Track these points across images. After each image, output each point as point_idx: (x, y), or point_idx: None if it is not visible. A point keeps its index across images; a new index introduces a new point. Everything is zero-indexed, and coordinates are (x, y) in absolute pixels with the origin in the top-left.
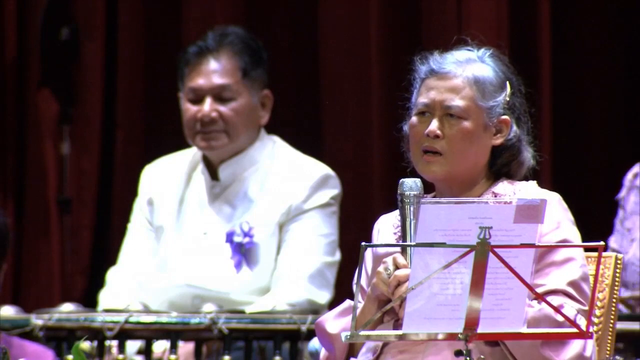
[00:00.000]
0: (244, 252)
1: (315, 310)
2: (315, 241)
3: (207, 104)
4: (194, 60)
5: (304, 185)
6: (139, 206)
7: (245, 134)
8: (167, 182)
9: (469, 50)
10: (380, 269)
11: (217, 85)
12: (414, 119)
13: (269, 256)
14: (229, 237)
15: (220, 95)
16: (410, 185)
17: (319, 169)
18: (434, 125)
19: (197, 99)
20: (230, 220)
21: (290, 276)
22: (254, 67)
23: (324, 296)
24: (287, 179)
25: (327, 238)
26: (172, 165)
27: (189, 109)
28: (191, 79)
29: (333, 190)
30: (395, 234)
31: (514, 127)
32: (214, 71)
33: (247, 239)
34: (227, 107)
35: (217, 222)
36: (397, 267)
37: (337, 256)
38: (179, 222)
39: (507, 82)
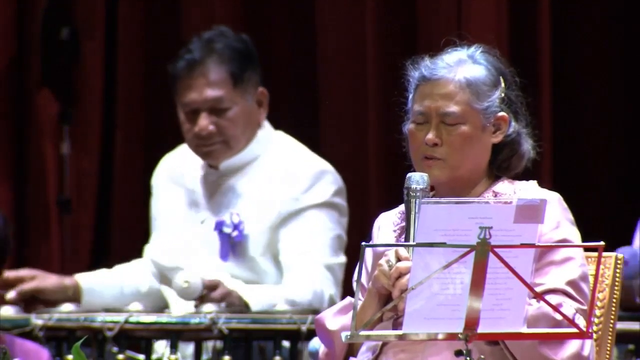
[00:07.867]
0: (232, 244)
1: (316, 310)
2: (317, 239)
3: (203, 119)
4: (183, 74)
5: (299, 184)
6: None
7: (244, 138)
8: (182, 168)
9: (459, 50)
10: (382, 261)
11: (210, 98)
12: (411, 126)
13: (256, 251)
14: (218, 226)
15: (215, 107)
16: (417, 179)
17: (315, 165)
18: (431, 134)
19: (193, 114)
20: (221, 210)
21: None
22: (245, 70)
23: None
24: (282, 176)
25: (332, 232)
26: (186, 153)
27: (186, 124)
28: (184, 95)
29: (331, 186)
30: (395, 231)
31: (513, 123)
32: (205, 84)
33: (235, 232)
34: (223, 118)
35: (210, 210)
36: (399, 259)
37: (342, 258)
38: (181, 209)
39: (501, 77)
